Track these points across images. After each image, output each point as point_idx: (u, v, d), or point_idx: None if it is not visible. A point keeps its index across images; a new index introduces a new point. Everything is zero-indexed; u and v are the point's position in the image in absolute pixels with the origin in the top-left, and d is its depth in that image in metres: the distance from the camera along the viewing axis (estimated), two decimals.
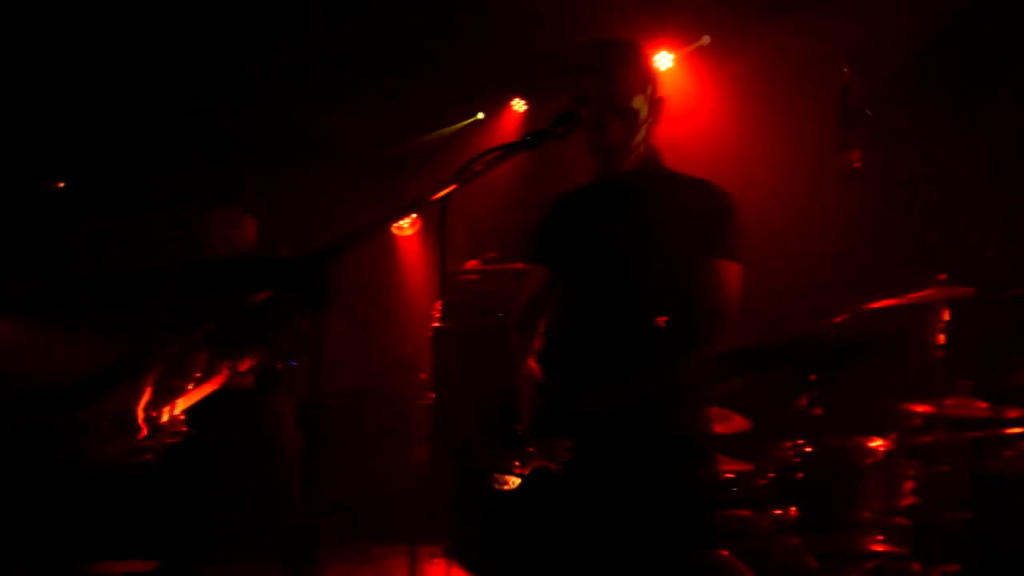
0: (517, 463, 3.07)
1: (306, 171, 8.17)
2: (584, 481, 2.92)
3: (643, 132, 3.11)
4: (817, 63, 5.83)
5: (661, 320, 2.91)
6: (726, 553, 3.19)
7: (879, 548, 4.14)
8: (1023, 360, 4.76)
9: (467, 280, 6.26)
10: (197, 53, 6.75)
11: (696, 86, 6.55)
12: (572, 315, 3.17)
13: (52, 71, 6.68)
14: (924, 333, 4.38)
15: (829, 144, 5.37)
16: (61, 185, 7.44)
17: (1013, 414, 4.29)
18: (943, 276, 4.23)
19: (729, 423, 4.56)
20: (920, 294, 4.22)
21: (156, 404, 4.73)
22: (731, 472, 4.46)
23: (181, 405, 4.68)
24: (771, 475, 4.43)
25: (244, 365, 4.54)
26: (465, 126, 8.31)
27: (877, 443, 4.30)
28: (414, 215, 8.04)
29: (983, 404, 4.38)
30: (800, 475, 4.34)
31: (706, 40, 6.46)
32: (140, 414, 4.73)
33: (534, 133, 2.79)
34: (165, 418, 4.68)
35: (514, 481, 3.06)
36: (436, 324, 6.10)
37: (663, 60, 6.57)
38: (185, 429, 4.63)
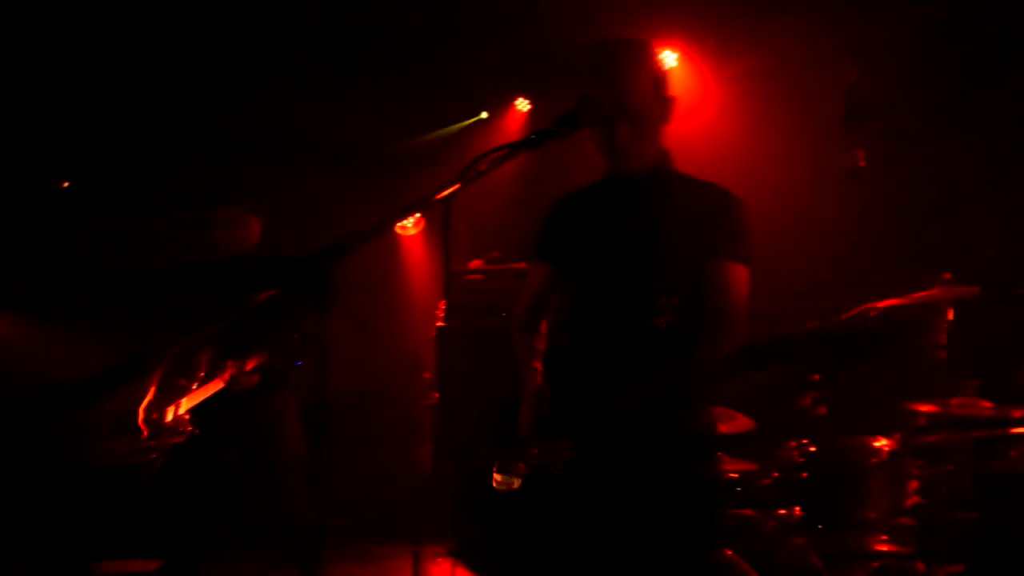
0: (521, 463, 3.06)
1: (306, 171, 8.16)
2: (589, 481, 2.92)
3: (653, 133, 3.10)
4: (819, 63, 5.85)
5: (660, 321, 2.90)
6: (730, 553, 3.19)
7: (884, 548, 4.15)
8: None
9: (471, 280, 6.25)
10: (197, 53, 6.74)
11: (698, 85, 6.55)
12: (578, 315, 3.17)
13: (52, 71, 6.66)
14: (930, 332, 4.37)
15: (830, 144, 5.39)
16: (66, 185, 7.43)
17: (1018, 414, 4.29)
18: (948, 276, 4.22)
19: (733, 423, 4.55)
20: (925, 293, 4.21)
21: (160, 404, 4.73)
22: (735, 472, 4.46)
23: (185, 405, 4.68)
24: (776, 475, 4.43)
25: (248, 365, 4.53)
26: (469, 125, 8.30)
27: (882, 443, 4.30)
28: (418, 214, 8.03)
29: (988, 404, 4.38)
30: (804, 475, 4.34)
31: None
32: (141, 414, 4.72)
33: (538, 132, 2.79)
34: (169, 418, 4.68)
35: (517, 481, 3.06)
36: (440, 324, 6.09)
37: (666, 59, 6.56)
38: (190, 429, 4.62)
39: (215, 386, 4.62)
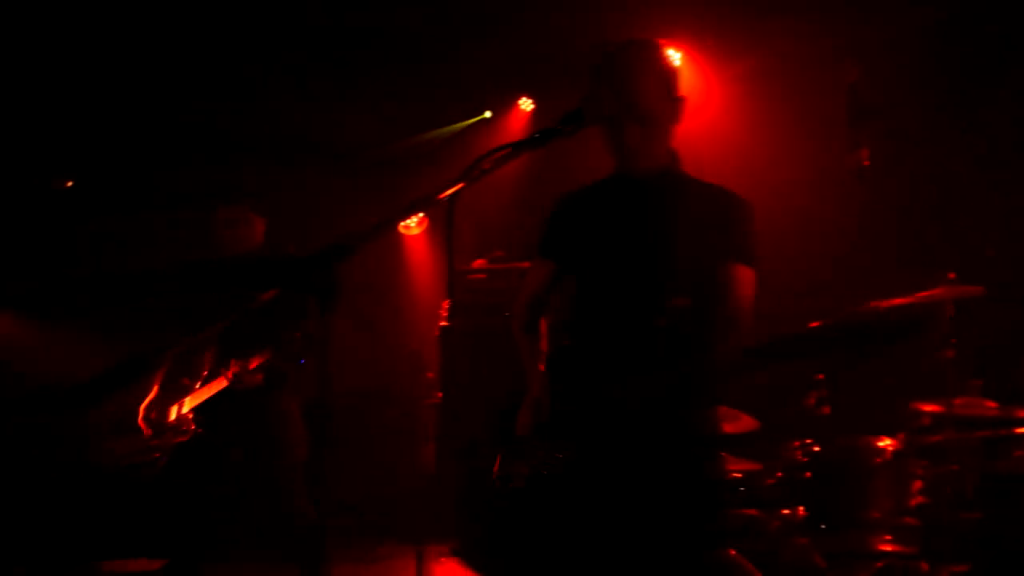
0: (524, 463, 3.06)
1: (306, 171, 8.16)
2: (592, 480, 2.91)
3: (663, 133, 3.10)
4: (819, 63, 5.85)
5: (668, 321, 2.90)
6: (734, 553, 3.18)
7: (888, 548, 4.13)
8: None
9: (474, 279, 6.25)
10: (197, 53, 6.74)
11: (698, 85, 6.55)
12: (583, 314, 3.16)
13: (52, 71, 6.66)
14: (935, 331, 4.36)
15: (830, 144, 5.39)
16: (70, 184, 7.42)
17: (1022, 414, 4.28)
18: (952, 275, 4.21)
19: (737, 422, 4.55)
20: (929, 293, 4.20)
21: (163, 403, 4.72)
22: (739, 472, 4.45)
23: (189, 404, 4.67)
24: (779, 475, 4.41)
25: (251, 364, 4.52)
26: (472, 125, 8.30)
27: (886, 443, 4.28)
28: (421, 214, 8.04)
29: (993, 404, 4.38)
30: (808, 475, 4.33)
31: None
32: (142, 413, 4.71)
33: (542, 131, 2.78)
34: (173, 417, 4.67)
35: (520, 481, 3.06)
36: (443, 323, 6.10)
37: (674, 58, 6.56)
38: (193, 428, 4.62)
39: (218, 385, 4.61)
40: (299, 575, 4.52)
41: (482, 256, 6.53)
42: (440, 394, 6.30)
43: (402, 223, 8.13)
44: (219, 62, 6.87)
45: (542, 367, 3.25)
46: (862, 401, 4.94)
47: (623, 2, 5.76)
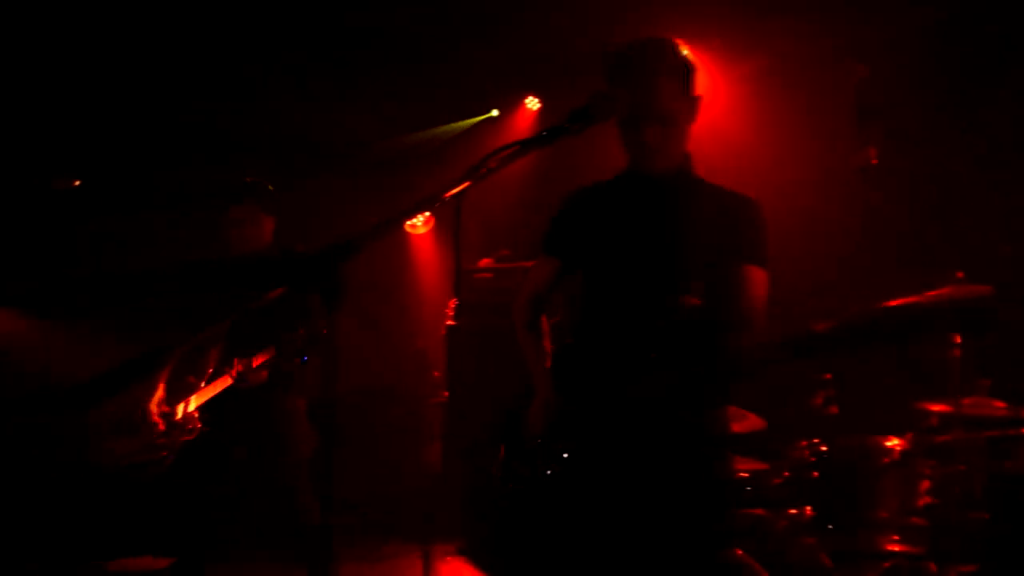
0: (531, 462, 3.05)
1: (306, 171, 8.15)
2: (600, 480, 2.91)
3: (681, 133, 3.09)
4: (820, 64, 5.85)
5: (680, 320, 2.90)
6: (741, 552, 3.17)
7: (895, 548, 4.13)
8: None
9: (481, 278, 6.24)
10: (197, 53, 6.73)
11: (704, 85, 6.53)
12: (592, 312, 3.15)
13: (52, 71, 6.65)
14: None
15: (834, 144, 5.38)
16: (77, 183, 7.41)
17: None
18: (960, 274, 4.20)
19: (745, 422, 4.54)
20: (938, 292, 4.19)
21: (169, 402, 4.70)
22: (747, 471, 4.45)
23: (195, 402, 4.66)
24: (787, 474, 4.41)
25: (256, 362, 4.51)
26: (479, 123, 8.29)
27: (894, 442, 4.28)
28: (427, 213, 8.04)
29: (1001, 403, 4.38)
30: (816, 474, 4.32)
31: None
32: (154, 410, 4.69)
33: (549, 130, 2.76)
34: (179, 415, 4.65)
35: (527, 480, 3.04)
36: (450, 322, 6.09)
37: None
38: (199, 427, 4.60)
39: (223, 384, 4.59)
40: (306, 574, 4.51)
41: (489, 255, 6.53)
42: (446, 393, 6.30)
43: (408, 222, 8.12)
44: (219, 62, 6.87)
45: (548, 365, 3.24)
46: (870, 401, 4.93)
47: (625, 2, 5.75)
